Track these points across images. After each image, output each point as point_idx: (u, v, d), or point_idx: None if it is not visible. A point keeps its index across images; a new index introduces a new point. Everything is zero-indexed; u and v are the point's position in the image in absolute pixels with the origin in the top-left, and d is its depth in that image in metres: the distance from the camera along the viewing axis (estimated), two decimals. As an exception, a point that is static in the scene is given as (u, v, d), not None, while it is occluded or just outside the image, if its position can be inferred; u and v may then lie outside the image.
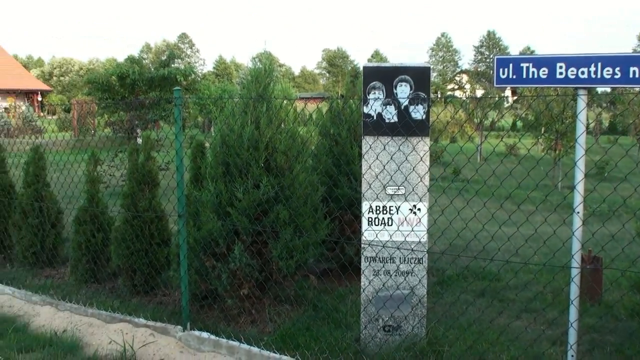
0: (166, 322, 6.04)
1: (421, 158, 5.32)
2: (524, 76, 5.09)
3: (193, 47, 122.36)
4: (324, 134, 7.93)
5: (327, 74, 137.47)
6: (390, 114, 5.34)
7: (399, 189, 5.35)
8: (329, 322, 6.12)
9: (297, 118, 6.66)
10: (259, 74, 6.35)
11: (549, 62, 4.97)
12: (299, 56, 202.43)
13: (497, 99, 26.54)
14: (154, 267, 6.98)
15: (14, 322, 6.56)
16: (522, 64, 5.08)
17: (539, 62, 5.01)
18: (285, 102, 6.55)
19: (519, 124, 41.23)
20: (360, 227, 5.53)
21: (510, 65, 5.10)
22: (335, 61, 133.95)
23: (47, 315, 6.63)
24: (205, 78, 61.13)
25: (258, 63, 6.53)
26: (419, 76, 5.35)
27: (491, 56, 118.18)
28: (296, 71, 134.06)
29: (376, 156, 5.34)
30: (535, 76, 5.05)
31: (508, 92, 45.27)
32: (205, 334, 5.69)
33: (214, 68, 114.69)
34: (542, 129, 19.70)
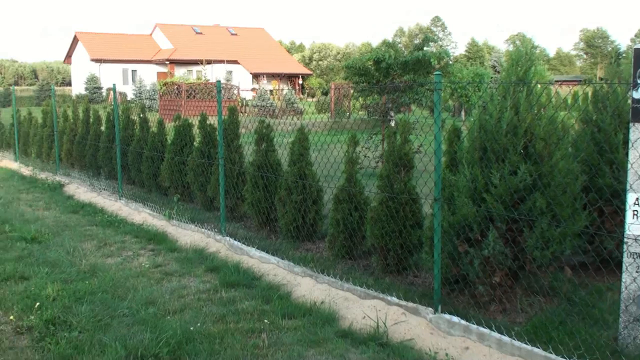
0: (417, 303, 6.17)
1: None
2: None
3: (445, 30, 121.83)
4: (585, 120, 7.49)
5: (585, 56, 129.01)
6: (664, 100, 4.93)
7: (674, 181, 4.92)
8: (585, 318, 5.83)
9: (561, 104, 6.38)
10: (519, 57, 6.18)
11: None
12: (554, 37, 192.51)
13: None
14: (407, 248, 7.13)
15: (278, 289, 7.12)
16: None
17: None
18: (546, 86, 6.31)
19: None
20: (623, 220, 5.19)
21: None
22: (593, 42, 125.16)
23: (307, 286, 7.10)
24: (457, 61, 60.61)
25: (519, 46, 6.35)
26: (701, 58, 4.87)
27: None
28: (551, 53, 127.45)
29: (649, 145, 4.96)
30: None
31: None
32: (455, 318, 5.73)
33: (465, 51, 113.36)
34: None
